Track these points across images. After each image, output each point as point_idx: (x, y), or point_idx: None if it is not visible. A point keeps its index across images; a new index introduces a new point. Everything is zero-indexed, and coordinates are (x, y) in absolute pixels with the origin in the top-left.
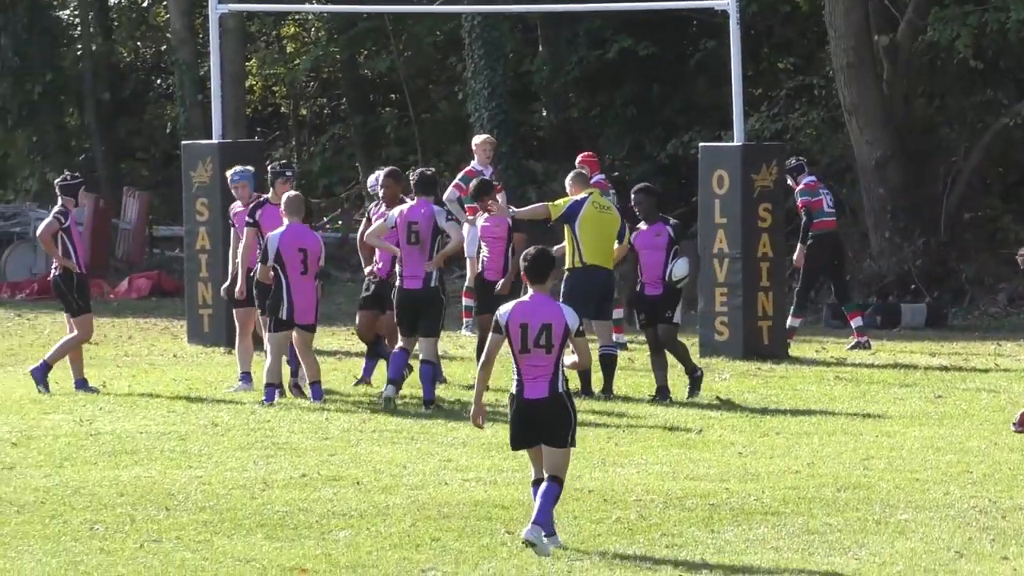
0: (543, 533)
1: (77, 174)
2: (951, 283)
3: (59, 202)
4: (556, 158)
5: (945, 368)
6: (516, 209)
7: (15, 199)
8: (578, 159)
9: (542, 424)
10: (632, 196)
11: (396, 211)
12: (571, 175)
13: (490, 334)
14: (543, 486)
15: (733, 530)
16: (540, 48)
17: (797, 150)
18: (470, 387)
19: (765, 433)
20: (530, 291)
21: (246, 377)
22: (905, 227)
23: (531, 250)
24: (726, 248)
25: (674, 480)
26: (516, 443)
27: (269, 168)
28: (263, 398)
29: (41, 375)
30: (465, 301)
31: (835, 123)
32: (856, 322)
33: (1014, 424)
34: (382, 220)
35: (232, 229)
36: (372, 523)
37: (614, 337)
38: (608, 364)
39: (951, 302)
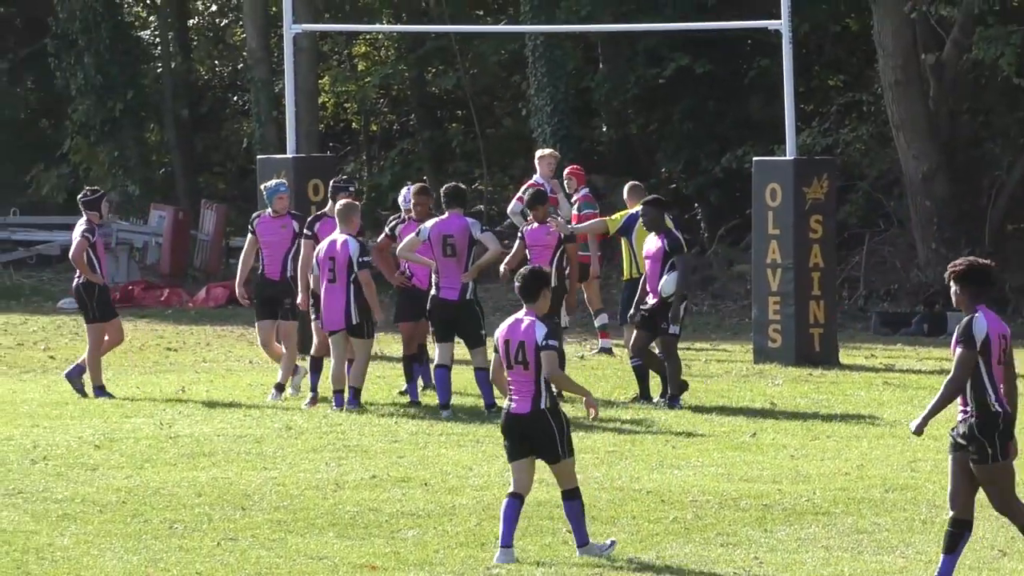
0: (590, 548)
1: (97, 188)
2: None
3: (84, 217)
4: (616, 172)
5: None
6: (576, 225)
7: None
8: (566, 171)
9: (530, 440)
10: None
11: (429, 224)
12: (628, 187)
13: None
14: (564, 506)
15: (785, 529)
16: (600, 66)
17: (847, 164)
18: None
19: (816, 436)
20: (524, 309)
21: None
22: (951, 238)
23: (524, 270)
24: (779, 258)
25: (729, 481)
26: (510, 455)
27: (332, 182)
28: (332, 404)
29: (98, 392)
30: None
31: (883, 138)
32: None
33: None
34: (414, 234)
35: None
36: (439, 522)
37: (600, 342)
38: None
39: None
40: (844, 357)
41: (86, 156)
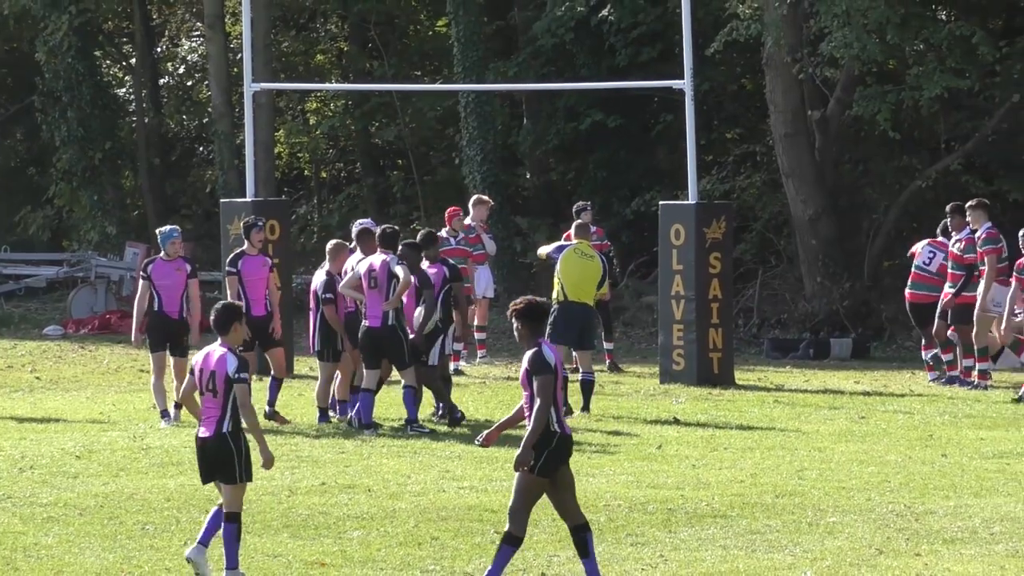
0: (235, 573)
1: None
2: (873, 321)
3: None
4: (538, 214)
5: (867, 393)
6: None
7: (79, 248)
8: (447, 212)
9: (212, 461)
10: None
11: (360, 265)
12: (575, 223)
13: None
14: (223, 529)
15: (688, 530)
16: (524, 120)
17: (743, 207)
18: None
19: (715, 448)
20: (219, 340)
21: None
22: (834, 273)
23: (218, 305)
24: (682, 291)
25: (637, 488)
26: (202, 477)
27: (242, 222)
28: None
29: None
30: (477, 335)
31: (775, 184)
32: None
33: None
34: (351, 274)
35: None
36: (381, 524)
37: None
38: (587, 388)
39: (873, 337)
40: (740, 378)
41: (69, 200)
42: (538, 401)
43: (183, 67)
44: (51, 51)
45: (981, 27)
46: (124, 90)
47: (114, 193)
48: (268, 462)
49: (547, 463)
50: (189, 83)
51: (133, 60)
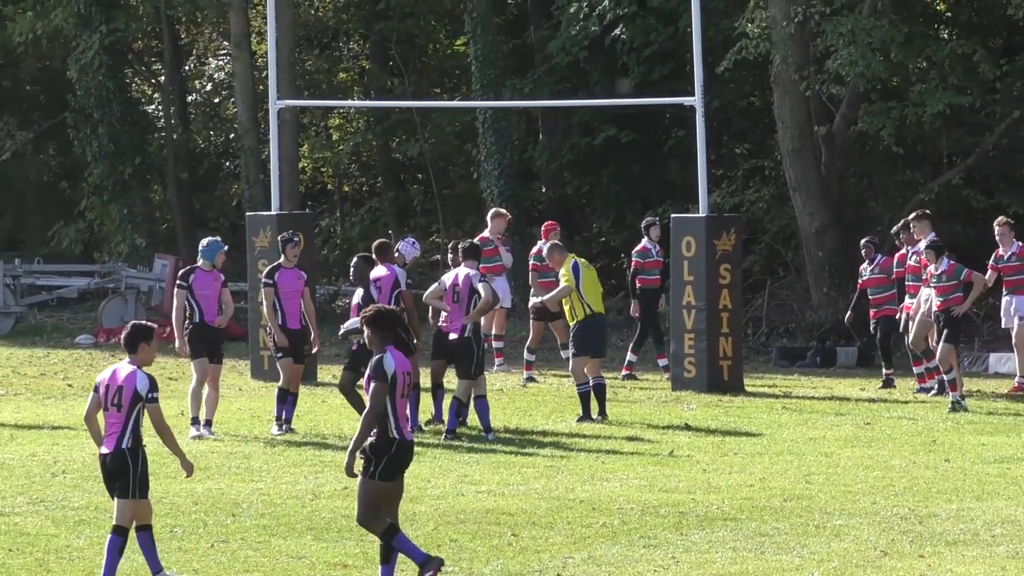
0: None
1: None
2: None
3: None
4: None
5: (872, 400)
6: (547, 297)
7: (110, 260)
8: (544, 226)
9: (112, 476)
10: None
11: (447, 276)
12: (547, 247)
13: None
14: (138, 538)
15: (698, 533)
16: (540, 136)
17: (751, 220)
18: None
19: (725, 453)
20: (127, 358)
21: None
22: (840, 283)
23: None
24: (693, 301)
25: (650, 492)
26: (109, 490)
27: (280, 237)
28: None
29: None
30: (495, 344)
31: (782, 198)
32: (662, 361)
33: None
34: (436, 284)
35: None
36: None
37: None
38: (601, 392)
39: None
40: (749, 385)
41: (100, 213)
42: (367, 407)
43: (210, 85)
44: (82, 69)
45: (982, 45)
46: (153, 107)
47: (143, 207)
48: (189, 471)
49: (386, 468)
50: (216, 100)
51: (162, 78)
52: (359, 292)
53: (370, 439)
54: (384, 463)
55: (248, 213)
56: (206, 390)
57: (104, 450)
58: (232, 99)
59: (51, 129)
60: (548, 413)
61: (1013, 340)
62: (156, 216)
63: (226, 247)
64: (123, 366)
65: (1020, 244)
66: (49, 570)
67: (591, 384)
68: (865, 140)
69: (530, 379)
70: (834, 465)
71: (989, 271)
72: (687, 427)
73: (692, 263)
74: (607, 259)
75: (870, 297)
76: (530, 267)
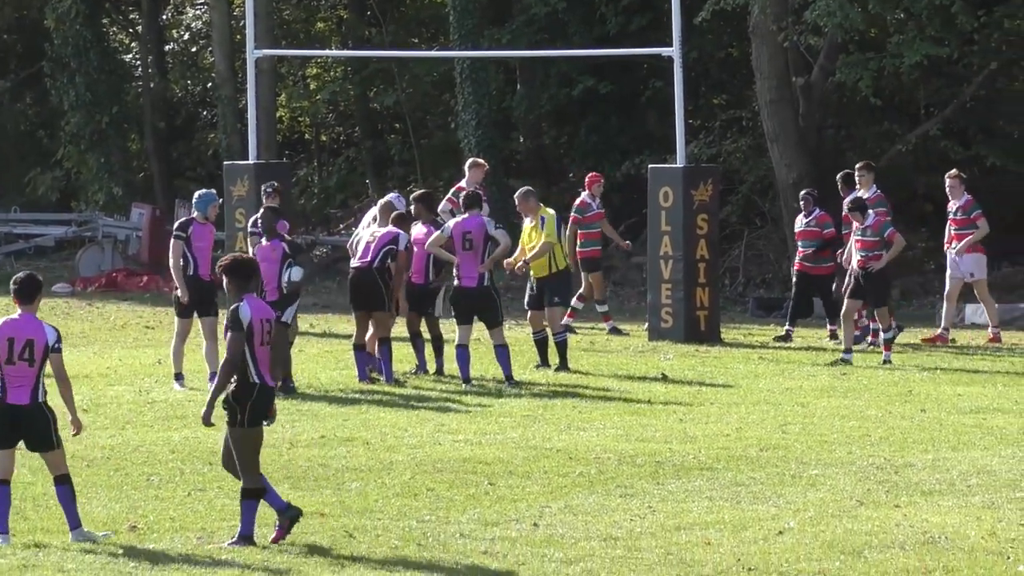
0: (80, 532)
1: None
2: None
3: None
4: (531, 177)
5: (849, 350)
6: (528, 256)
7: (87, 209)
8: (588, 178)
9: (27, 430)
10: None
11: (451, 223)
12: (520, 192)
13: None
14: (56, 491)
15: (675, 482)
16: (518, 86)
17: (729, 171)
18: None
19: (701, 403)
20: (20, 310)
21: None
22: None
23: (20, 275)
24: (671, 251)
25: (627, 441)
26: (5, 443)
27: (262, 187)
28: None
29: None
30: None
31: (760, 149)
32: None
33: None
34: (439, 232)
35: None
36: (379, 476)
37: (606, 325)
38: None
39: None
40: (725, 336)
41: (77, 162)
42: (226, 356)
43: (188, 34)
44: (59, 18)
45: None
46: (130, 56)
47: (120, 156)
48: (78, 429)
49: (252, 414)
50: (193, 49)
51: (139, 27)
52: (368, 230)
53: (231, 387)
54: (249, 409)
55: (225, 162)
56: (204, 345)
57: (13, 401)
58: (210, 48)
59: (28, 78)
60: (525, 363)
61: (946, 292)
62: (133, 165)
63: (220, 200)
64: (22, 317)
65: (968, 197)
66: (26, 518)
67: (542, 335)
68: (843, 91)
69: (614, 329)
70: (810, 415)
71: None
72: (664, 377)
73: (669, 213)
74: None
75: (799, 250)
76: (571, 219)
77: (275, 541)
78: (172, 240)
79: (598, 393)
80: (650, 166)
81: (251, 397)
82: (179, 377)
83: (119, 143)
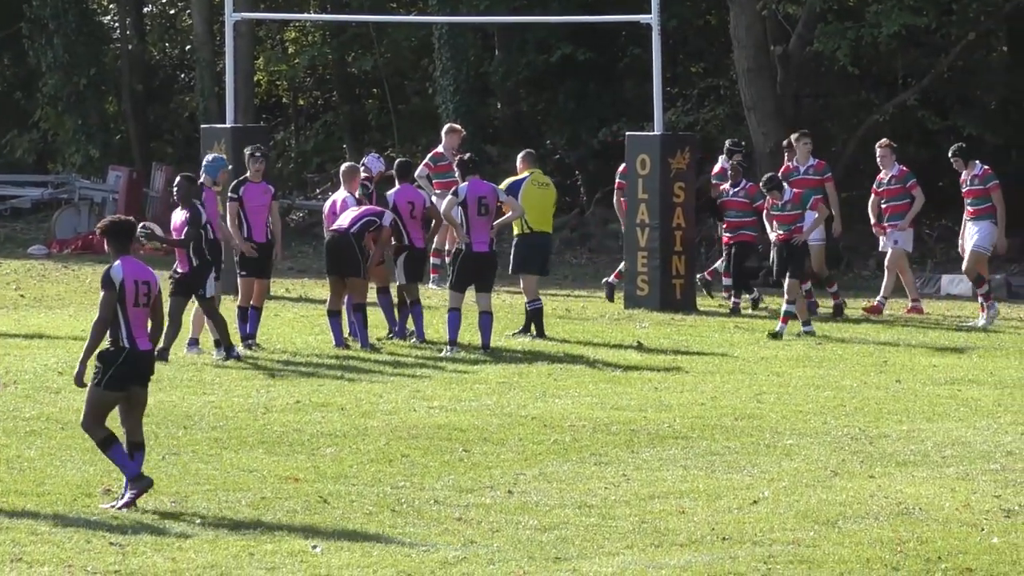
0: None
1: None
2: (831, 249)
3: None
4: (508, 143)
5: (825, 320)
6: (498, 221)
7: (63, 171)
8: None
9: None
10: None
11: (462, 187)
12: (522, 154)
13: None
14: None
15: (649, 451)
16: (496, 52)
17: (706, 139)
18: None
19: (676, 372)
20: None
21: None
22: None
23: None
24: (647, 219)
25: (601, 409)
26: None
27: (245, 151)
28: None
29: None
30: (433, 260)
31: (737, 117)
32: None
33: None
34: (452, 194)
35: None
36: (353, 442)
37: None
38: (536, 316)
39: (831, 265)
40: (701, 304)
41: (54, 124)
42: (97, 315)
43: None
44: None
45: None
46: (109, 18)
47: (98, 118)
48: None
49: (114, 378)
50: (172, 12)
51: None
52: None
53: (106, 347)
54: (112, 372)
55: (203, 126)
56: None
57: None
58: (188, 11)
59: (6, 39)
60: (501, 330)
61: (886, 262)
62: (110, 127)
63: (230, 166)
64: None
65: (900, 167)
66: (0, 480)
67: (528, 307)
68: (821, 60)
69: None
70: (785, 385)
71: (873, 195)
72: (639, 345)
73: (647, 181)
74: (561, 176)
75: (726, 220)
76: (617, 185)
77: (124, 507)
78: (228, 203)
79: (573, 361)
80: (627, 133)
81: (117, 361)
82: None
83: (96, 105)
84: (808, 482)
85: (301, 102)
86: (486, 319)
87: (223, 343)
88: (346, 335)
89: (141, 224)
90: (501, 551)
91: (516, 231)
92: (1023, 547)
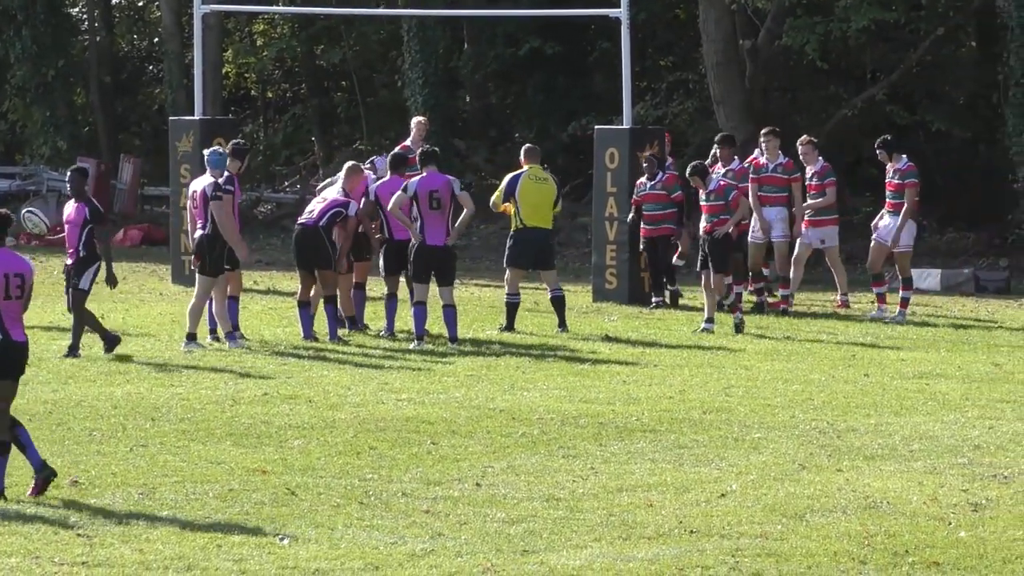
0: None
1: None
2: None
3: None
4: (477, 136)
5: (793, 314)
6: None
7: (31, 162)
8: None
9: None
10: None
11: (412, 182)
12: (525, 148)
13: None
14: None
15: (618, 444)
16: (465, 46)
17: (675, 133)
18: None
19: (645, 365)
20: None
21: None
22: None
23: None
24: (616, 212)
25: (570, 402)
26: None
27: (231, 144)
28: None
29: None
30: None
31: (706, 111)
32: None
33: None
34: (400, 191)
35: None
36: (321, 434)
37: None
38: (559, 304)
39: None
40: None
41: (22, 115)
42: None
43: None
44: None
45: None
46: (77, 10)
47: (66, 109)
48: None
49: None
50: (140, 4)
51: None
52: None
53: None
54: None
55: (171, 118)
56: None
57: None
58: (156, 3)
59: None
60: (469, 322)
61: (793, 257)
62: (78, 119)
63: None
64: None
65: (823, 163)
66: None
67: (550, 295)
68: (789, 54)
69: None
70: (753, 378)
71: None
72: (607, 338)
73: (615, 174)
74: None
75: (644, 214)
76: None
77: (32, 494)
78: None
79: (542, 354)
80: (596, 127)
81: None
82: (228, 334)
83: (64, 96)
84: (776, 476)
85: (270, 94)
86: (449, 312)
87: (73, 343)
88: (343, 331)
89: (26, 209)
90: (469, 543)
91: (511, 226)
92: (990, 541)
